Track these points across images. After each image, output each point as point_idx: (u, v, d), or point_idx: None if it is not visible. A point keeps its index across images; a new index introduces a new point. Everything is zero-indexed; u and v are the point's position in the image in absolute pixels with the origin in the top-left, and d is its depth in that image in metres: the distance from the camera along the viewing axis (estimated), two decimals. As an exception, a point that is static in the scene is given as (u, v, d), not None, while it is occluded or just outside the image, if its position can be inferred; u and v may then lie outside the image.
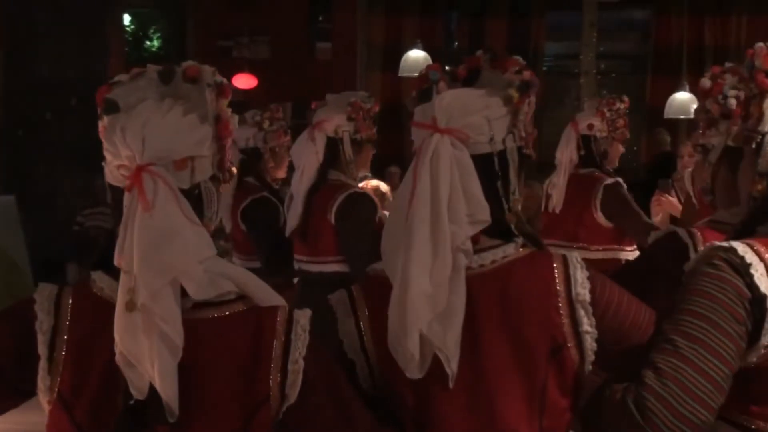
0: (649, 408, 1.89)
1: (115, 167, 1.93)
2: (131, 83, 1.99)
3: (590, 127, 5.40)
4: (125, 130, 1.88)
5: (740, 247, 2.02)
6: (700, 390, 1.90)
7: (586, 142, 5.43)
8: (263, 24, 12.94)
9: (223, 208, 2.11)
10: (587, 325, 2.12)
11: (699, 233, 2.66)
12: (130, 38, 15.25)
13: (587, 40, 12.49)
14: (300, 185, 4.56)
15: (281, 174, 5.39)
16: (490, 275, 2.14)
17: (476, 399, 2.11)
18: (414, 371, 2.05)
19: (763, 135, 2.28)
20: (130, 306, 1.81)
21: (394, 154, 13.04)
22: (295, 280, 4.88)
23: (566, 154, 5.39)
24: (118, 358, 1.83)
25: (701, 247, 2.58)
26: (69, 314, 1.94)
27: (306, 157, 4.59)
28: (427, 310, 2.02)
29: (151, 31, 15.78)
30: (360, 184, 9.95)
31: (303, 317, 1.99)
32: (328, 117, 4.59)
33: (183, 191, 1.90)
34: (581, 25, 12.48)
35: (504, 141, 2.19)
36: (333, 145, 4.58)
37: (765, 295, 1.95)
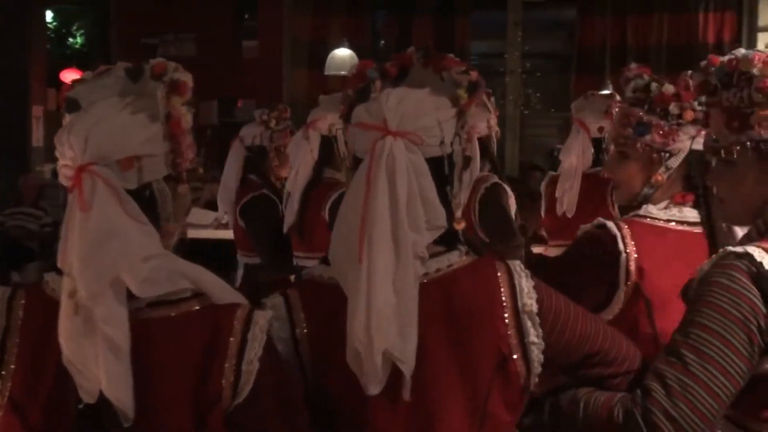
0: (656, 425, 1.92)
1: (60, 167, 1.90)
2: (95, 81, 1.95)
3: (601, 130, 5.36)
4: (72, 130, 1.86)
5: (756, 252, 2.02)
6: (707, 410, 1.92)
7: (596, 144, 5.41)
8: (189, 21, 12.82)
9: (183, 207, 2.06)
10: (534, 336, 2.07)
11: (626, 226, 2.70)
12: (53, 35, 15.04)
13: (512, 39, 12.57)
14: (296, 183, 4.62)
15: (286, 173, 5.40)
16: (434, 284, 2.07)
17: (417, 411, 2.05)
18: (376, 387, 1.97)
19: None
20: (71, 309, 1.78)
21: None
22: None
23: (580, 159, 5.30)
24: (65, 361, 1.79)
25: (629, 239, 2.62)
26: (21, 316, 1.92)
27: (301, 155, 4.67)
28: (393, 322, 1.95)
29: (74, 28, 15.59)
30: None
31: (262, 318, 1.95)
32: (321, 116, 4.68)
33: (131, 192, 1.87)
34: (506, 24, 12.56)
35: (452, 144, 2.14)
36: (327, 143, 4.69)
37: None
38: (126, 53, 11.76)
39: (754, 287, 1.97)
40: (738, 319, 1.96)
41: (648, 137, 2.85)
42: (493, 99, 5.02)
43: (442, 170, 2.11)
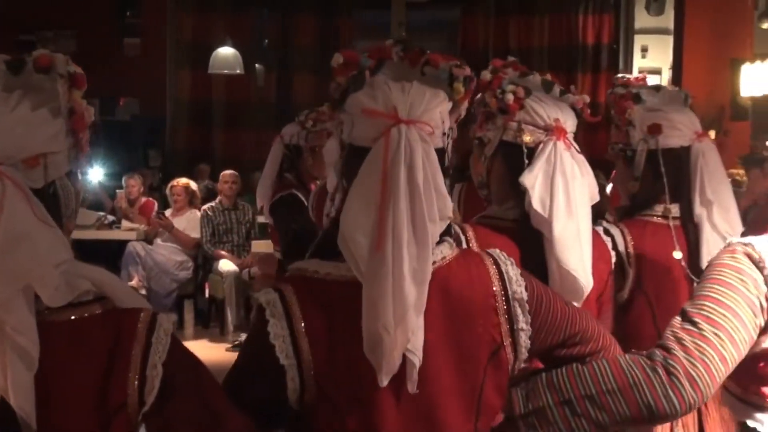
0: (678, 379, 2.02)
1: None
2: None
3: None
4: None
5: (759, 243, 2.18)
6: (717, 372, 2.05)
7: None
8: (68, 18, 12.58)
9: (79, 204, 2.00)
10: (523, 322, 2.08)
11: (471, 229, 2.72)
12: (-76, 30, 14.56)
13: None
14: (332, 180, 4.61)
15: (320, 173, 5.49)
16: (432, 277, 2.01)
17: (419, 403, 2.02)
18: (388, 378, 1.93)
19: None
20: None
21: (203, 152, 12.93)
22: None
23: None
24: None
25: (473, 243, 2.65)
26: None
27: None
28: (414, 314, 1.92)
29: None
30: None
31: (166, 321, 1.88)
32: None
33: (35, 191, 1.79)
34: (390, 24, 12.62)
35: (448, 136, 2.12)
36: None
37: None
38: (1, 51, 11.43)
39: (756, 269, 2.15)
40: (744, 294, 2.12)
41: (472, 128, 2.91)
42: None
43: (443, 162, 2.09)
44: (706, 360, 2.04)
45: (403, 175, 1.93)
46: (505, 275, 2.10)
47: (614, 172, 4.60)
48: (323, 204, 4.62)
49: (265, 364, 1.99)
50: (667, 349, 2.07)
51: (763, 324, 2.13)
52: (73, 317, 1.82)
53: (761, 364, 2.17)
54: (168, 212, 9.78)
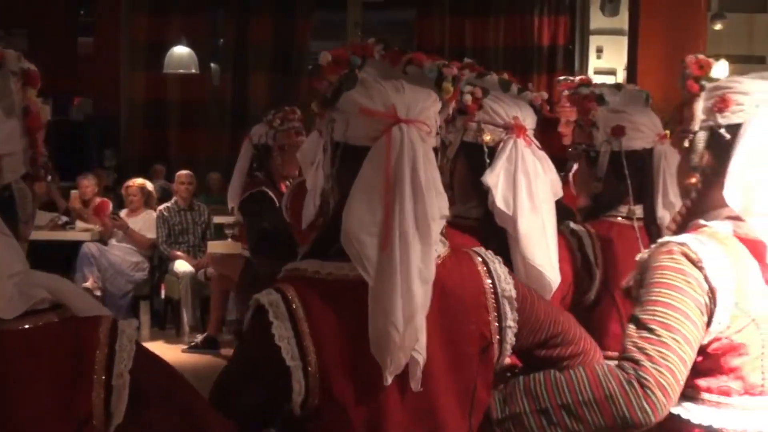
0: (651, 390, 2.07)
1: None
2: None
3: None
4: None
5: (693, 242, 2.24)
6: (680, 375, 2.13)
7: None
8: (21, 16, 12.44)
9: (37, 207, 1.91)
10: (511, 319, 2.10)
11: None
12: None
13: (353, 40, 12.64)
14: (316, 179, 4.60)
15: (290, 172, 5.58)
16: None
17: (420, 402, 2.02)
18: (392, 375, 1.94)
19: (694, 134, 2.42)
20: None
21: (158, 153, 12.85)
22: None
23: None
24: None
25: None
26: None
27: (321, 154, 4.64)
28: (422, 312, 1.93)
29: None
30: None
31: (129, 327, 1.78)
32: None
33: None
34: (346, 24, 12.62)
35: (439, 136, 2.13)
36: None
37: (716, 288, 2.19)
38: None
39: (695, 268, 2.21)
40: (690, 295, 2.19)
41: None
42: None
43: (436, 161, 2.08)
44: (671, 366, 2.11)
45: (407, 174, 1.93)
46: (494, 273, 2.12)
47: (571, 170, 4.61)
48: (298, 203, 4.67)
49: (268, 367, 1.97)
50: (636, 361, 2.12)
51: (706, 320, 2.21)
52: (28, 326, 1.71)
53: (699, 359, 2.23)
54: (123, 213, 9.69)
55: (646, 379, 2.08)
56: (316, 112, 2.22)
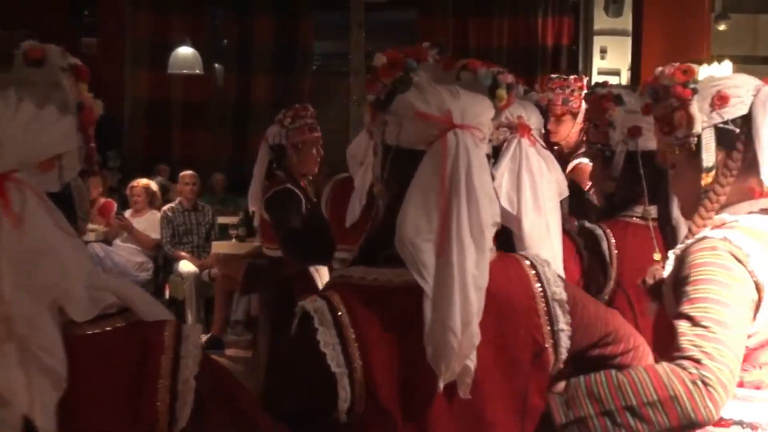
0: (713, 388, 2.06)
1: None
2: None
3: None
4: None
5: (735, 236, 2.27)
6: (737, 371, 2.15)
7: None
8: (25, 16, 12.44)
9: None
10: (563, 323, 2.09)
11: None
12: None
13: (356, 40, 12.62)
14: (364, 181, 4.61)
15: (308, 169, 5.60)
16: None
17: (469, 409, 2.01)
18: (446, 382, 1.94)
19: (698, 136, 2.45)
20: (3, 335, 1.55)
21: (161, 153, 12.85)
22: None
23: None
24: None
25: None
26: None
27: (370, 154, 4.70)
28: (477, 318, 1.93)
29: None
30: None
31: (193, 332, 1.78)
32: None
33: (51, 196, 1.65)
34: (349, 24, 12.61)
35: (490, 143, 2.12)
36: None
37: (762, 283, 2.23)
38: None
39: (740, 264, 2.23)
40: (738, 291, 2.21)
41: None
42: None
43: (488, 167, 2.09)
44: (727, 362, 2.11)
45: (462, 180, 1.93)
46: (543, 276, 2.11)
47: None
48: (339, 200, 4.63)
49: (314, 373, 1.96)
50: (697, 360, 2.10)
51: (752, 315, 2.23)
52: (96, 331, 1.70)
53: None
54: (127, 213, 9.70)
55: (708, 378, 2.07)
56: (369, 113, 2.21)
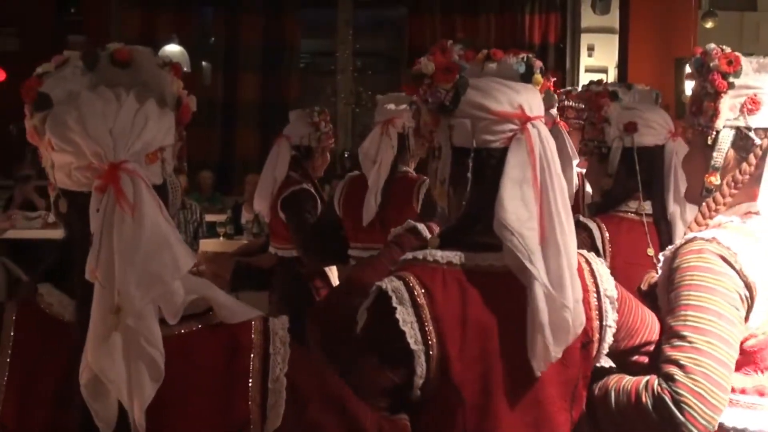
0: (686, 404, 2.03)
1: (74, 169, 1.64)
2: (57, 73, 1.73)
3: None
4: (86, 125, 1.61)
5: (723, 236, 2.23)
6: (721, 378, 2.07)
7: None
8: (10, 15, 12.40)
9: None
10: (611, 319, 2.15)
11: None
12: None
13: (343, 38, 12.63)
14: (378, 178, 4.72)
15: (321, 171, 5.62)
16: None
17: (528, 393, 2.08)
18: (555, 357, 2.04)
19: (718, 132, 2.40)
20: (112, 327, 1.55)
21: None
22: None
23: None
24: (84, 387, 1.56)
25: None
26: (12, 334, 1.67)
27: (383, 152, 4.79)
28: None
29: None
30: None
31: (281, 328, 1.78)
32: (398, 114, 4.83)
33: (154, 188, 1.65)
34: (337, 22, 12.60)
35: None
36: (401, 140, 4.84)
37: (754, 282, 2.18)
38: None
39: (726, 266, 2.19)
40: (721, 293, 2.16)
41: None
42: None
43: None
44: (705, 371, 2.07)
45: (551, 167, 2.03)
46: (596, 272, 2.16)
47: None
48: (352, 198, 4.73)
49: (395, 351, 2.01)
50: (670, 377, 2.09)
51: (744, 315, 2.19)
52: (183, 330, 1.70)
53: None
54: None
55: (679, 394, 2.05)
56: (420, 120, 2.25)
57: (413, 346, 2.01)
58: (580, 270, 2.13)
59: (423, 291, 2.03)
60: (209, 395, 1.69)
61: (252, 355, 1.73)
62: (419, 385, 2.04)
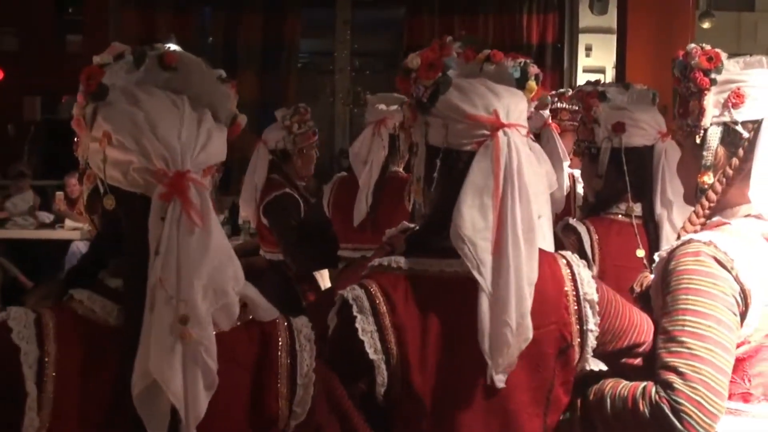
0: (685, 412, 2.02)
1: (134, 169, 1.62)
2: (115, 65, 1.73)
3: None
4: (156, 128, 1.60)
5: (720, 239, 2.20)
6: (719, 385, 2.06)
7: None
8: (8, 14, 12.39)
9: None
10: (592, 323, 2.13)
11: None
12: None
13: (341, 38, 12.62)
14: (369, 179, 4.70)
15: (307, 172, 5.58)
16: None
17: (493, 399, 2.07)
18: (503, 373, 2.02)
19: (705, 130, 2.39)
20: (177, 337, 1.55)
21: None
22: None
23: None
24: (137, 396, 1.55)
25: None
26: (55, 342, 1.61)
27: (374, 152, 4.77)
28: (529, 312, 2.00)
29: None
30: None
31: (305, 326, 1.82)
32: (389, 114, 4.81)
33: None
34: (335, 22, 12.59)
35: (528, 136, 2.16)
36: (391, 140, 4.82)
37: (749, 289, 2.15)
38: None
39: (724, 270, 2.16)
40: (720, 298, 2.13)
41: None
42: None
43: None
44: (704, 378, 2.06)
45: (515, 178, 1.98)
46: (578, 276, 2.14)
47: None
48: (342, 198, 4.69)
49: (356, 360, 2.02)
50: (669, 384, 2.07)
51: (738, 320, 2.17)
52: (221, 330, 1.69)
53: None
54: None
55: (677, 402, 2.04)
56: (406, 116, 2.24)
57: (372, 356, 2.03)
58: (559, 273, 2.13)
59: (384, 299, 2.04)
60: (244, 392, 1.73)
61: (280, 352, 1.77)
62: (381, 393, 2.05)
